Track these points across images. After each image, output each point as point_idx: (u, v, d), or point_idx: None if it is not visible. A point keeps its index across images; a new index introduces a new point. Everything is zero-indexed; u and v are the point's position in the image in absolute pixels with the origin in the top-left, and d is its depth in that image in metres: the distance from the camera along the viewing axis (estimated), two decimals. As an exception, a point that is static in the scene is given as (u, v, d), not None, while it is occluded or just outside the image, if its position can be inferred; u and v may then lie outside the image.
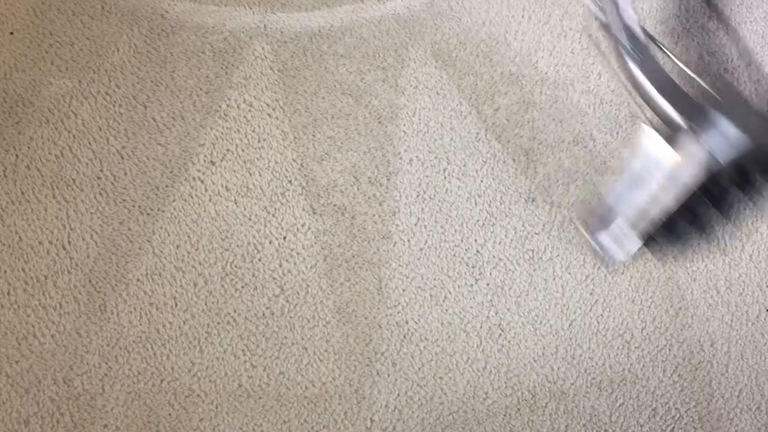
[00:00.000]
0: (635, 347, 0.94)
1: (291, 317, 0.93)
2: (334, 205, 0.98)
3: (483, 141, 1.02)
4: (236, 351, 0.92)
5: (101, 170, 0.99)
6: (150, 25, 1.06)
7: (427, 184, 1.00)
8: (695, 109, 0.78)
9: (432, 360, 0.93)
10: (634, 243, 0.84)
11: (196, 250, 0.96)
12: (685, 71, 0.86)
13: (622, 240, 0.85)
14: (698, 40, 1.05)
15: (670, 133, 0.79)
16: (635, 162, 0.82)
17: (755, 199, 0.83)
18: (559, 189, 1.00)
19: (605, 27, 0.86)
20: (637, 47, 0.82)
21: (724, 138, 0.76)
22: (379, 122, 1.02)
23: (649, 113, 0.82)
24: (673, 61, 0.92)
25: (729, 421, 0.92)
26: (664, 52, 0.90)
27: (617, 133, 0.99)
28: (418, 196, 0.99)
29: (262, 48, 1.06)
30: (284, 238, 0.97)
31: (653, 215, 0.81)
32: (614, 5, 0.84)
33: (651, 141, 0.80)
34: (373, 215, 0.98)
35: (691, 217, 0.82)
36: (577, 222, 0.95)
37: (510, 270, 0.96)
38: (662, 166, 0.78)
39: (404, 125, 1.02)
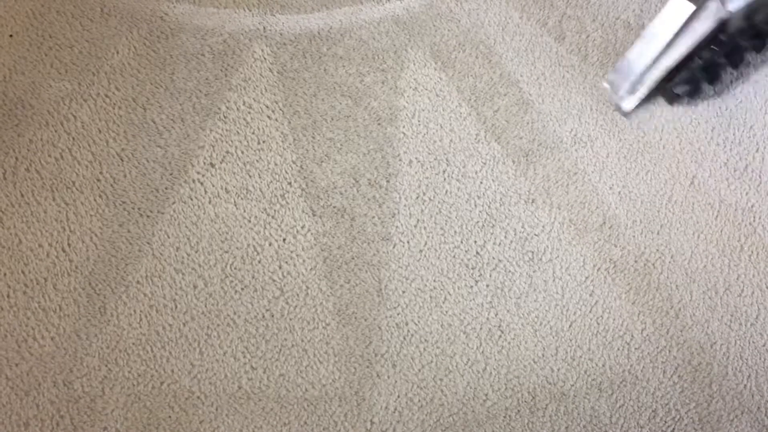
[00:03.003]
0: (635, 348, 0.94)
1: (291, 319, 0.93)
2: (334, 207, 0.98)
3: (483, 142, 1.02)
4: (236, 353, 0.92)
5: (101, 172, 0.99)
6: (149, 28, 1.06)
7: (426, 185, 1.00)
8: None
9: (432, 362, 0.93)
10: (645, 90, 0.92)
11: (196, 252, 0.96)
12: None
13: (637, 88, 0.93)
14: None
15: None
16: (656, 17, 0.89)
17: (763, 51, 0.91)
18: (558, 190, 1.00)
19: None
20: None
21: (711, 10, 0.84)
22: (379, 124, 1.02)
23: None
24: None
25: (729, 423, 0.92)
26: None
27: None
28: (417, 197, 0.99)
29: (262, 50, 1.06)
30: (284, 240, 0.97)
31: (668, 64, 0.88)
32: None
33: None
34: (373, 217, 0.98)
35: (703, 65, 0.90)
36: (604, 80, 0.98)
37: (510, 271, 0.96)
38: (678, 16, 0.85)
39: (404, 127, 1.02)
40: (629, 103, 0.96)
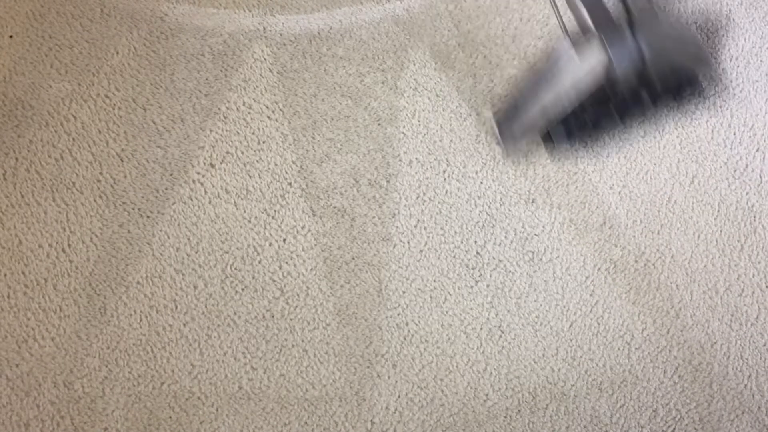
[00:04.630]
0: (636, 348, 0.94)
1: (291, 319, 0.93)
2: (334, 207, 0.98)
3: (483, 143, 1.02)
4: (236, 353, 0.92)
5: (101, 173, 0.99)
6: (149, 28, 1.06)
7: (426, 185, 1.00)
8: (608, 21, 0.85)
9: (432, 362, 0.93)
10: (530, 138, 0.92)
11: (196, 252, 0.96)
12: None
13: (520, 135, 0.92)
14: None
15: (582, 40, 0.85)
16: (545, 64, 0.89)
17: (646, 111, 0.91)
18: (559, 190, 1.00)
19: None
20: None
21: (626, 50, 0.84)
22: (379, 124, 1.02)
23: (570, 21, 0.89)
24: None
25: (730, 422, 0.92)
26: None
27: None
28: (417, 198, 0.99)
29: (262, 50, 1.06)
30: (284, 240, 0.97)
31: (553, 113, 0.87)
32: None
33: (561, 46, 0.86)
34: (373, 217, 0.98)
35: (587, 119, 0.89)
36: (492, 116, 0.97)
37: (510, 271, 0.96)
38: (567, 68, 0.85)
39: (404, 127, 1.02)
40: (509, 145, 0.94)
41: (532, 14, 1.09)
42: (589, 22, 0.86)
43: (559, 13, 0.81)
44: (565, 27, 0.80)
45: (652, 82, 0.90)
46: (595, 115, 0.89)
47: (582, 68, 0.84)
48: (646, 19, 0.89)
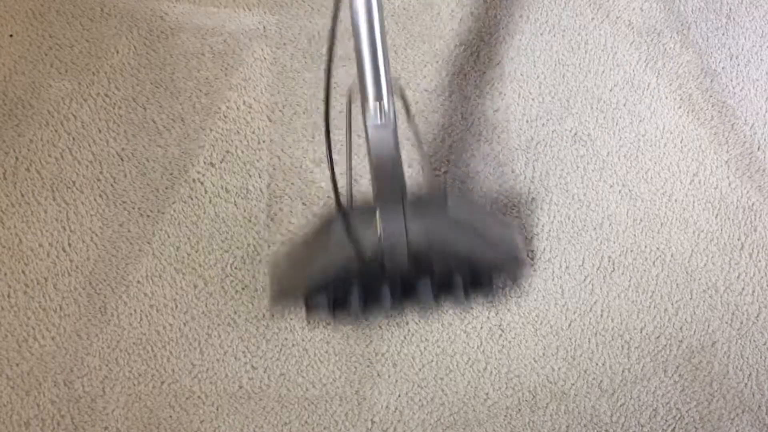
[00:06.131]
0: (635, 347, 0.94)
1: (291, 319, 0.93)
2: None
3: (483, 142, 1.02)
4: (237, 353, 0.92)
5: (101, 172, 0.99)
6: (149, 27, 1.06)
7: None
8: (392, 199, 0.77)
9: (432, 361, 0.93)
10: (294, 299, 0.87)
11: (196, 252, 0.96)
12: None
13: (288, 293, 0.88)
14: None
15: (362, 212, 0.81)
16: (318, 230, 0.85)
17: (422, 299, 0.85)
18: (558, 188, 1.00)
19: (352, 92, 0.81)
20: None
21: (398, 232, 0.77)
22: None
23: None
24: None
25: (730, 421, 0.92)
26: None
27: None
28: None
29: (262, 50, 1.06)
30: (283, 240, 0.97)
31: (318, 280, 0.82)
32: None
33: (335, 216, 0.82)
34: (373, 216, 0.98)
35: (353, 293, 0.84)
36: (268, 268, 0.94)
37: (510, 270, 0.96)
38: (337, 239, 0.79)
39: (404, 126, 1.02)
40: (277, 300, 0.90)
41: (531, 11, 1.09)
42: (373, 194, 0.79)
43: (334, 181, 0.71)
44: (338, 196, 0.71)
45: (432, 270, 0.83)
46: (363, 292, 0.83)
47: (349, 242, 0.77)
48: (437, 200, 0.84)
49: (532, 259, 0.95)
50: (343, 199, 0.81)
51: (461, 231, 0.83)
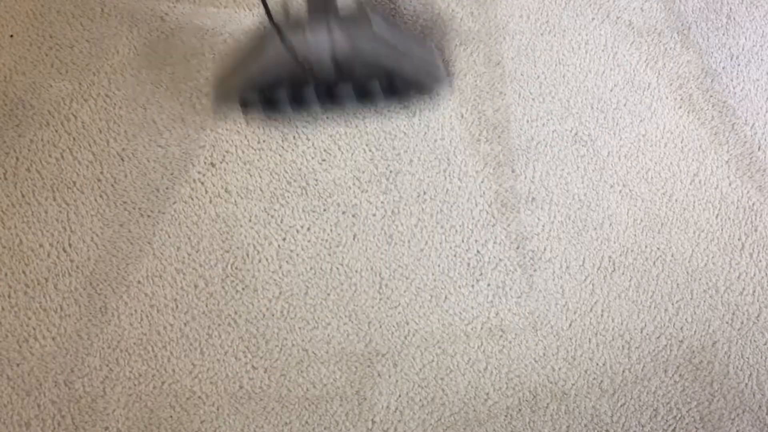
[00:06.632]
0: (635, 347, 0.94)
1: (291, 319, 0.93)
2: (335, 205, 0.98)
3: (483, 141, 1.02)
4: (237, 353, 0.92)
5: (101, 172, 0.99)
6: (150, 28, 1.06)
7: (427, 184, 1.00)
8: (319, 12, 0.90)
9: (433, 361, 0.93)
10: (233, 102, 0.96)
11: (197, 251, 0.96)
12: None
13: (228, 99, 0.97)
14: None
15: (291, 23, 0.90)
16: (254, 40, 0.94)
17: (344, 102, 0.95)
18: (559, 188, 1.00)
19: None
20: None
21: (323, 42, 0.89)
22: (380, 122, 1.02)
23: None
24: None
25: (730, 421, 0.92)
26: None
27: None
28: (418, 196, 0.99)
29: (262, 49, 1.06)
30: (284, 239, 0.97)
31: (254, 83, 0.93)
32: None
33: (267, 26, 0.91)
34: (374, 216, 0.98)
35: (282, 95, 0.93)
36: (211, 78, 1.02)
37: (510, 271, 0.96)
38: (270, 46, 0.90)
39: (404, 125, 1.02)
40: (219, 106, 1.00)
41: (531, 11, 1.09)
42: (305, 7, 0.91)
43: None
44: (269, 10, 0.81)
45: (354, 76, 0.93)
46: (292, 94, 0.93)
47: (282, 48, 0.87)
48: (362, 18, 0.93)
49: (449, 75, 1.03)
50: (279, 18, 0.91)
51: (383, 45, 0.94)
